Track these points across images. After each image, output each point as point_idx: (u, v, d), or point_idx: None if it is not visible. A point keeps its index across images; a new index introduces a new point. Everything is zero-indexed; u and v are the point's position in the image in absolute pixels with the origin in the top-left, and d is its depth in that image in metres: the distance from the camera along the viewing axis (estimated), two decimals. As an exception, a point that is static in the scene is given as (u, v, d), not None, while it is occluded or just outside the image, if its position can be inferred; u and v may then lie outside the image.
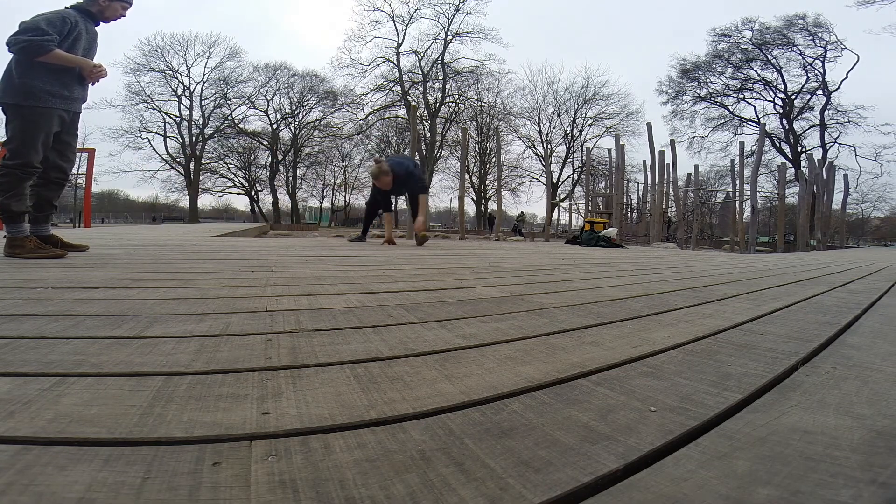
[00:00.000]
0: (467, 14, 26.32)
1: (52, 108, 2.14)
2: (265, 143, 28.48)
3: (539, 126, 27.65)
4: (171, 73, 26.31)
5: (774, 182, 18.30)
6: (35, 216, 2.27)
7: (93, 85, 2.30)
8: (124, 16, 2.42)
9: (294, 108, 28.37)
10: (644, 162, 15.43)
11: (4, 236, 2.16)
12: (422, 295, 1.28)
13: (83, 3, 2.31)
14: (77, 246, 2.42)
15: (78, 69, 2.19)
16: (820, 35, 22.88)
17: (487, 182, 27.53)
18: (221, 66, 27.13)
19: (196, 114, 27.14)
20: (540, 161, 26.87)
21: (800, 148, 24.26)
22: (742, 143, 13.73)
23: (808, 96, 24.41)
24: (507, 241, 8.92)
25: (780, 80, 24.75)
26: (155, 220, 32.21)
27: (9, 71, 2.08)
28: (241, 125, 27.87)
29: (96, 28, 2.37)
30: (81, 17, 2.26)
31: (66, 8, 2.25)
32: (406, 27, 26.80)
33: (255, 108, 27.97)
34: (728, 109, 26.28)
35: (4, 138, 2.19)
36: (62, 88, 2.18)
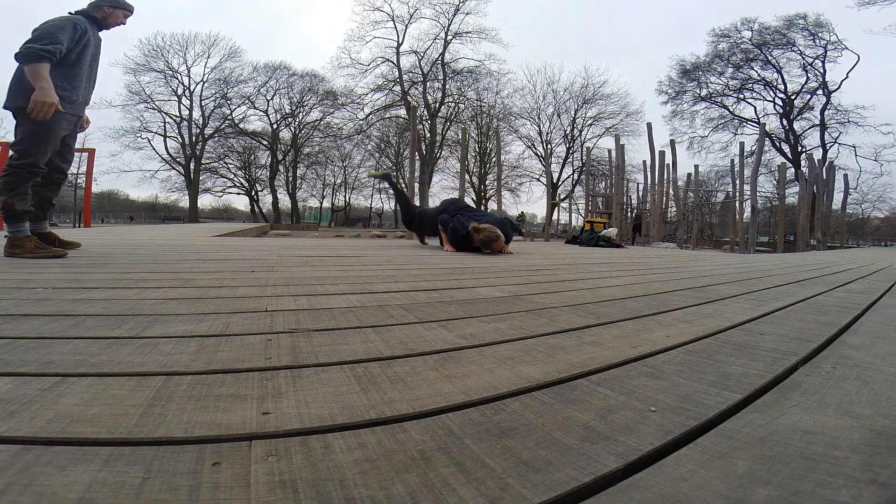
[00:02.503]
0: (467, 14, 26.32)
1: (64, 113, 2.15)
2: (265, 143, 28.49)
3: (539, 126, 27.66)
4: (171, 73, 26.33)
5: (774, 182, 18.32)
6: (36, 214, 2.29)
7: (31, 115, 2.06)
8: (124, 23, 2.49)
9: (294, 108, 28.38)
10: (644, 162, 15.42)
11: (5, 236, 2.17)
12: (422, 295, 1.28)
13: (88, 9, 2.34)
14: (71, 243, 2.46)
15: (44, 89, 2.02)
16: (820, 35, 22.89)
17: (487, 182, 27.53)
18: (221, 66, 27.17)
19: (196, 114, 27.16)
20: (540, 161, 26.88)
21: (800, 148, 24.25)
22: (742, 143, 13.73)
23: (808, 96, 24.41)
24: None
25: (780, 80, 24.76)
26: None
27: (20, 74, 2.07)
28: (241, 125, 27.88)
29: (100, 34, 2.41)
30: (89, 23, 2.29)
31: (74, 14, 2.27)
32: (406, 27, 26.80)
33: (255, 108, 28.00)
34: (728, 109, 26.29)
35: (13, 139, 2.15)
36: (72, 93, 2.20)
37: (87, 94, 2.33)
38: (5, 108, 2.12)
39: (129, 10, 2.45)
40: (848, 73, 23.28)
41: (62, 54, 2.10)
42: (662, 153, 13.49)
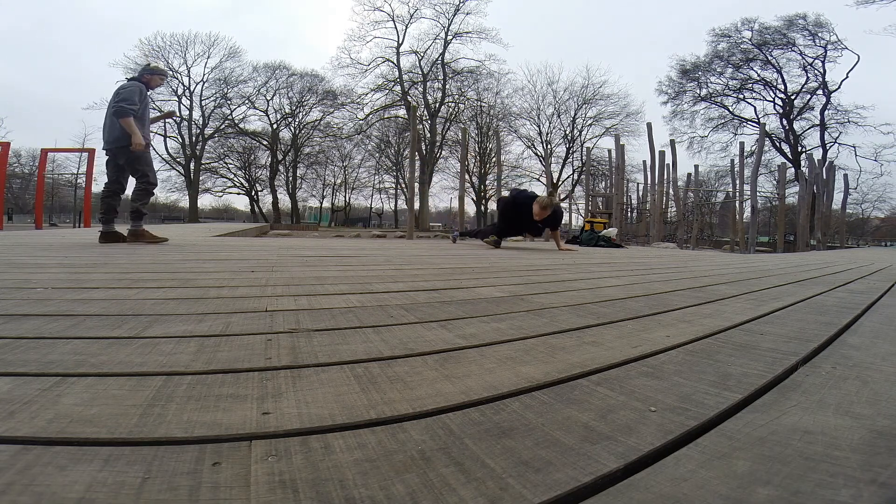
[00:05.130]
0: (467, 14, 26.36)
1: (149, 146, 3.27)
2: (265, 143, 28.49)
3: (539, 126, 27.64)
4: (171, 72, 26.33)
5: (774, 182, 18.30)
6: (109, 217, 3.24)
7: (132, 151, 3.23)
8: (161, 84, 3.49)
9: (294, 108, 28.38)
10: (644, 162, 15.44)
11: (130, 230, 3.25)
12: (422, 295, 1.28)
13: (138, 76, 3.28)
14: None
15: (132, 135, 3.13)
16: (820, 35, 22.89)
17: (487, 182, 27.51)
18: (221, 66, 27.18)
19: (196, 114, 27.18)
20: (540, 161, 26.86)
21: (800, 148, 24.25)
22: (742, 143, 13.75)
23: (808, 96, 24.40)
24: (507, 241, 8.89)
25: (780, 80, 24.75)
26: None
27: (114, 123, 3.06)
28: (241, 125, 27.88)
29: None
30: (143, 87, 3.26)
31: (135, 81, 3.25)
32: (406, 27, 26.83)
33: (255, 108, 28.00)
34: (728, 109, 26.29)
35: (138, 172, 3.28)
36: (146, 133, 3.27)
37: (146, 132, 3.30)
38: (111, 147, 3.14)
39: (164, 75, 3.48)
40: (848, 73, 23.29)
41: (139, 110, 3.14)
42: (662, 153, 13.51)
